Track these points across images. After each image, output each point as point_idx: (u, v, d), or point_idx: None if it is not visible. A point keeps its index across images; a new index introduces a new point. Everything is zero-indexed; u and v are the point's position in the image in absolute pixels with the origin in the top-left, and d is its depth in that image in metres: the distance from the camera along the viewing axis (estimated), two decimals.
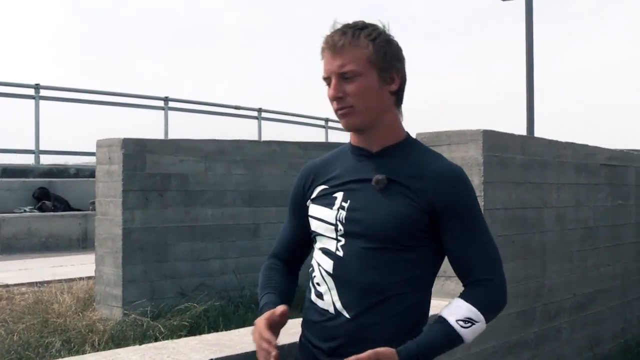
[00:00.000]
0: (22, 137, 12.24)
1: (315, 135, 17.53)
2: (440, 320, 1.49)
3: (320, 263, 1.60)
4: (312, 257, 1.67)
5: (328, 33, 1.57)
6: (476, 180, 3.14)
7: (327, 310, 1.55)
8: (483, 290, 1.52)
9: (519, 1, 9.36)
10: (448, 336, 1.47)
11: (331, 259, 1.57)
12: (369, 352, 1.39)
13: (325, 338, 1.54)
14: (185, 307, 4.94)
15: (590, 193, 4.27)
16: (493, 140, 3.29)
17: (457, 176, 1.57)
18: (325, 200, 1.61)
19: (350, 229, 1.54)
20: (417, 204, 1.51)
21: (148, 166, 5.32)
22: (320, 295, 1.58)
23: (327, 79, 1.56)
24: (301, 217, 1.68)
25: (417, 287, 1.55)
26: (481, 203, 3.15)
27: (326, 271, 1.57)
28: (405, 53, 1.65)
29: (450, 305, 1.51)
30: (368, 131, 1.57)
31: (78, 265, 7.10)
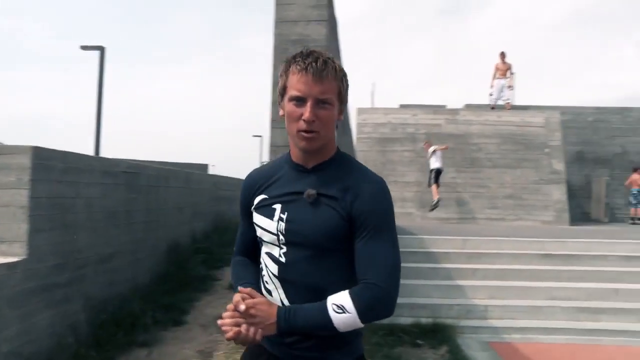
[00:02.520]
0: None
1: None
2: (324, 301, 1.59)
3: (267, 265, 1.72)
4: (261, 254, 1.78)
5: (303, 56, 1.65)
6: (26, 177, 5.02)
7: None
8: (367, 292, 1.58)
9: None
10: (321, 313, 1.57)
11: (276, 263, 1.69)
12: (259, 300, 1.63)
13: None
14: None
15: (113, 188, 6.61)
16: (40, 153, 5.05)
17: (374, 185, 1.67)
18: (266, 210, 1.72)
19: (289, 239, 1.66)
20: (340, 213, 1.63)
21: None
22: (269, 292, 1.72)
23: (299, 99, 1.62)
24: (250, 220, 1.80)
25: (350, 283, 1.63)
26: (27, 193, 5.05)
27: (273, 273, 1.70)
28: None
29: (338, 294, 1.60)
30: (315, 152, 1.69)
31: None
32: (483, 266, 8.17)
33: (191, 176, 10.93)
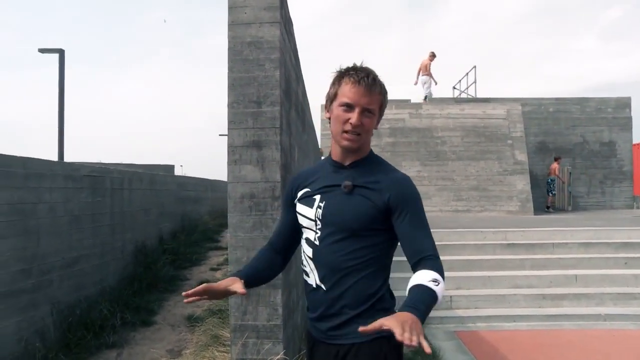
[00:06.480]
0: None
1: None
2: (415, 286, 1.73)
3: (304, 250, 1.99)
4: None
5: (356, 70, 1.92)
6: None
7: (312, 285, 1.96)
8: (437, 263, 1.80)
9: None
10: (428, 292, 1.70)
11: (311, 247, 1.96)
12: (398, 319, 1.50)
13: (314, 306, 1.97)
14: None
15: (76, 193, 6.59)
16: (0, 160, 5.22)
17: (403, 179, 1.94)
18: (307, 201, 1.99)
19: (325, 223, 1.92)
20: (374, 202, 1.87)
21: None
22: (307, 274, 1.98)
23: (349, 106, 1.88)
24: (290, 213, 2.09)
25: (371, 264, 1.90)
26: None
27: (308, 256, 1.97)
28: None
29: (415, 277, 1.76)
30: (354, 151, 1.96)
31: None
32: (448, 257, 8.32)
33: (155, 178, 10.91)
